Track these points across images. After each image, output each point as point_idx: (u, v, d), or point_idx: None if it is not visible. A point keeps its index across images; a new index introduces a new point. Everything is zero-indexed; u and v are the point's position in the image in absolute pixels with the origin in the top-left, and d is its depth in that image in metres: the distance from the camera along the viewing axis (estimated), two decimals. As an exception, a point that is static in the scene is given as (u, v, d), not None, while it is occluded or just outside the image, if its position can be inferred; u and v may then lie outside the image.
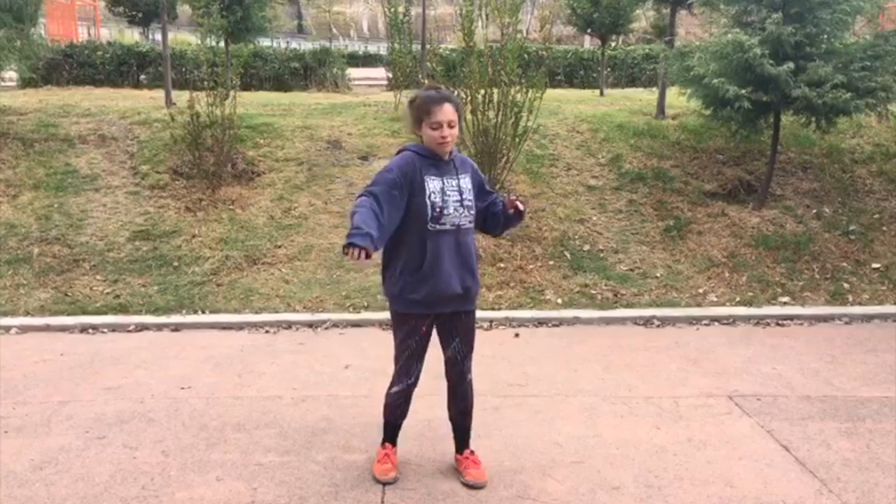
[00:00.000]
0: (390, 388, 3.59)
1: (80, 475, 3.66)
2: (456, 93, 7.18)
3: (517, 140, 7.30)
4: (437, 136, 3.35)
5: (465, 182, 3.46)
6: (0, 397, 4.61)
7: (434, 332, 3.57)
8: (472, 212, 3.48)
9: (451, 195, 3.38)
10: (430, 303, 3.42)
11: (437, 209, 3.34)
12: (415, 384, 3.57)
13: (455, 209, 3.38)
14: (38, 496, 3.47)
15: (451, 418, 3.70)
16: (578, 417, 4.34)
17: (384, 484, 3.55)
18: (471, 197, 3.46)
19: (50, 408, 4.46)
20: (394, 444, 3.71)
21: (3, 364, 5.18)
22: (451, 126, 3.36)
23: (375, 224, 3.13)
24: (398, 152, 3.50)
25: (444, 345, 3.60)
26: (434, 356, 3.59)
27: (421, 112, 3.38)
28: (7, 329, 5.93)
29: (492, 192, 3.66)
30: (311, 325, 6.03)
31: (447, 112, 3.34)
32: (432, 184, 3.36)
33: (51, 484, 3.57)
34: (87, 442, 4.01)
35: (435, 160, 3.41)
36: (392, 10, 11.09)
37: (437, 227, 3.35)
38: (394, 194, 3.28)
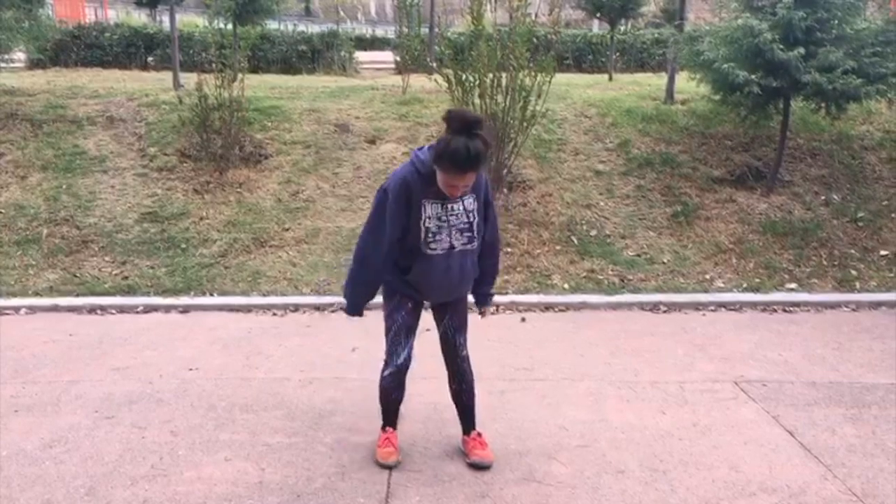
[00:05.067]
0: (383, 371, 3.57)
1: (90, 454, 3.69)
2: (464, 77, 7.20)
3: (525, 124, 7.26)
4: (448, 188, 3.19)
5: (469, 203, 3.31)
6: (10, 377, 4.66)
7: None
8: (474, 234, 3.35)
9: (449, 220, 3.26)
10: (418, 293, 3.47)
11: (431, 234, 3.26)
12: (405, 365, 3.51)
13: (453, 234, 3.28)
14: (48, 474, 3.50)
15: (453, 398, 3.69)
16: (584, 402, 4.35)
17: (388, 468, 3.57)
18: (472, 220, 3.32)
19: (59, 387, 4.50)
20: (394, 427, 3.69)
21: (12, 344, 5.22)
22: (466, 185, 3.19)
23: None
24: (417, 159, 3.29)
25: (437, 321, 3.62)
26: (436, 339, 3.62)
27: (443, 166, 3.13)
28: (16, 309, 5.97)
29: (489, 210, 3.45)
30: (318, 307, 6.05)
31: (468, 178, 3.14)
32: (430, 208, 3.25)
33: (60, 462, 3.61)
34: (96, 421, 4.05)
35: (437, 186, 3.23)
36: (400, -8, 11.05)
37: (429, 251, 3.29)
38: (393, 222, 3.27)
